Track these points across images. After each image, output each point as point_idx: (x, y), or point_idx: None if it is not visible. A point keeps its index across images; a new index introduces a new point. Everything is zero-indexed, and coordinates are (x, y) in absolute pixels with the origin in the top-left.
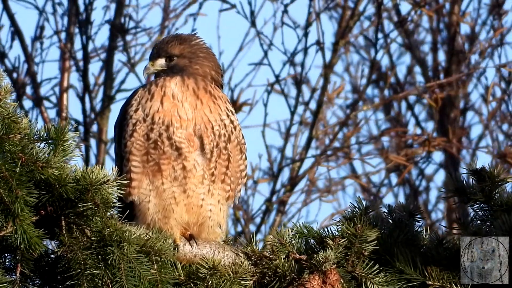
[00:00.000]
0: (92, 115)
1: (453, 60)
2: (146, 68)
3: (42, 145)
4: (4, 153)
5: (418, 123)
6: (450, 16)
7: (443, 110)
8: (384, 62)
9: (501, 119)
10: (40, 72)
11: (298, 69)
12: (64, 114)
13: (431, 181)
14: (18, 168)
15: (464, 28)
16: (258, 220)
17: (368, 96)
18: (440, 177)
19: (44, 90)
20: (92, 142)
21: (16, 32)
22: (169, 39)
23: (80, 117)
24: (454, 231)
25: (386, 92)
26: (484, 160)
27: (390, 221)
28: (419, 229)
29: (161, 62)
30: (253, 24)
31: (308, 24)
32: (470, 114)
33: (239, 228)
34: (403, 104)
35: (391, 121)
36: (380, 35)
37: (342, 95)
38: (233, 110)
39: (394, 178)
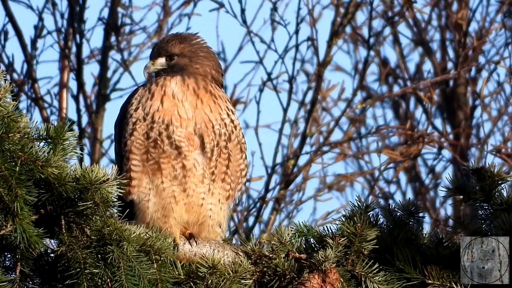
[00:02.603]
0: (87, 114)
1: (457, 57)
2: (146, 67)
3: (42, 144)
4: (3, 152)
5: (411, 121)
6: (453, 13)
7: (448, 108)
8: (393, 58)
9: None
10: (36, 72)
11: (293, 67)
12: (64, 113)
13: (439, 178)
14: (17, 167)
15: (473, 26)
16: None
17: (377, 92)
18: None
19: (41, 90)
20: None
21: (15, 32)
22: (169, 38)
23: (74, 116)
24: (454, 230)
25: (385, 88)
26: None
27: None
28: (420, 228)
29: (161, 61)
30: (243, 22)
31: (299, 21)
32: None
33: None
34: (412, 100)
35: (399, 117)
36: (387, 31)
37: (346, 93)
38: (233, 109)
39: (402, 176)
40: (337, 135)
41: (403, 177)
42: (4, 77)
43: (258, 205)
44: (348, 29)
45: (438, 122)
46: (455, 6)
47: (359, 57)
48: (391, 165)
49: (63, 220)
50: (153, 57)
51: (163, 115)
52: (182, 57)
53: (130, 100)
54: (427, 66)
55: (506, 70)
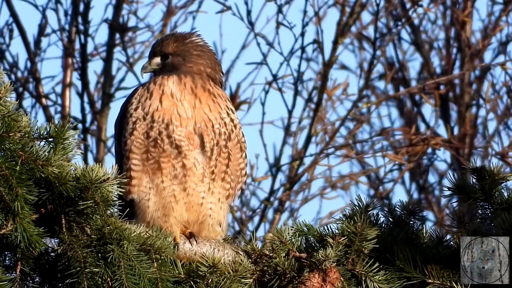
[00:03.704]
0: (92, 113)
1: (462, 57)
2: (144, 67)
3: (42, 143)
4: (4, 151)
5: (423, 120)
6: (458, 13)
7: (447, 107)
8: (396, 57)
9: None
10: (40, 70)
11: (298, 69)
12: (67, 112)
13: (443, 177)
14: (18, 166)
15: (478, 25)
16: (257, 218)
17: (382, 92)
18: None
19: (44, 88)
20: (92, 140)
21: (19, 30)
22: (164, 38)
23: (79, 115)
24: (454, 229)
25: (390, 88)
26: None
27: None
28: (420, 227)
29: (156, 60)
30: (250, 24)
31: (305, 23)
32: (482, 113)
33: (237, 227)
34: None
35: (402, 117)
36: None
37: (350, 92)
38: (233, 109)
39: (406, 174)
40: (342, 133)
41: (407, 176)
42: (7, 74)
43: (262, 206)
44: (353, 28)
45: (440, 121)
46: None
47: (364, 56)
48: (395, 166)
49: (63, 219)
50: (150, 57)
51: (163, 115)
52: (176, 56)
53: (130, 99)
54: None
55: (502, 69)
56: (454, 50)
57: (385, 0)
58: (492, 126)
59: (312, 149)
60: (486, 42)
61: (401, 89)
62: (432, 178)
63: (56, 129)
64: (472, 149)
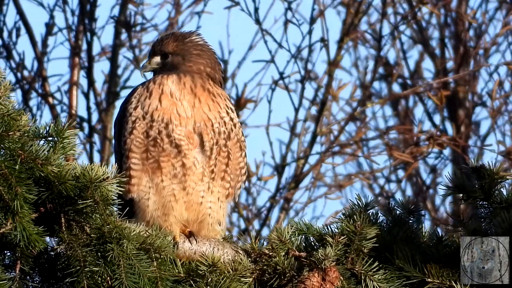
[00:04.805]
0: (97, 112)
1: (461, 56)
2: (143, 66)
3: (42, 142)
4: (3, 150)
5: (430, 119)
6: (457, 12)
7: (451, 107)
8: (393, 56)
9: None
10: (47, 69)
11: (305, 66)
12: (74, 111)
13: (439, 176)
14: (17, 166)
15: (473, 24)
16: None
17: (377, 91)
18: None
19: (51, 87)
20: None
21: (26, 29)
22: (164, 37)
23: (85, 114)
24: (454, 228)
25: (393, 87)
26: (491, 157)
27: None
28: (419, 226)
29: (156, 60)
30: (257, 21)
31: (313, 21)
32: (481, 111)
33: (243, 226)
34: (412, 99)
35: (399, 116)
36: (388, 29)
37: (350, 90)
38: (233, 108)
39: (402, 174)
40: (348, 133)
41: (403, 175)
42: (14, 73)
43: (268, 204)
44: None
45: (437, 119)
46: (454, 5)
47: (358, 54)
48: (399, 165)
49: (63, 218)
50: (150, 56)
51: (162, 114)
52: (176, 55)
53: (129, 98)
54: (426, 63)
55: (509, 69)
56: (452, 50)
57: (383, 4)
58: (486, 125)
59: (317, 148)
60: (493, 42)
61: (395, 87)
62: (425, 176)
63: (55, 128)
64: (468, 147)
